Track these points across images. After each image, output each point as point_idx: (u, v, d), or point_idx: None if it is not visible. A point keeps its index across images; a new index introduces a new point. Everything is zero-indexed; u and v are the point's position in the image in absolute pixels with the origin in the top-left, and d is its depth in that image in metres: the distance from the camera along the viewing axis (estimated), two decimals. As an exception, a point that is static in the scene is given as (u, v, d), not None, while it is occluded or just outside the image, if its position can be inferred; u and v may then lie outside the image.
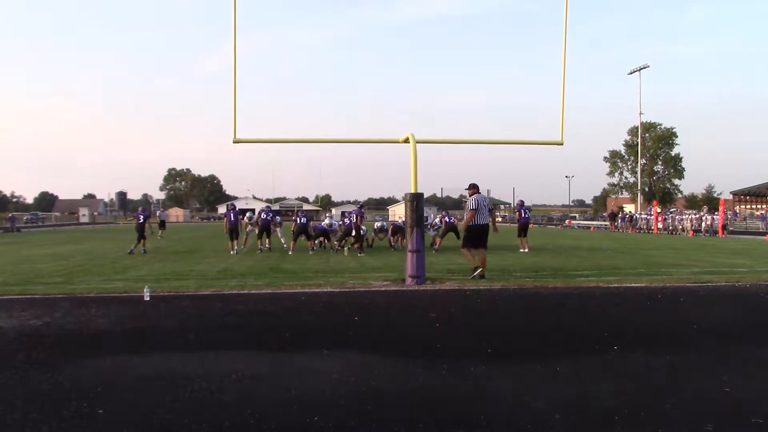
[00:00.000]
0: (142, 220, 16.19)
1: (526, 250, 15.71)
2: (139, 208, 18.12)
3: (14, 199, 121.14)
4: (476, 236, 9.48)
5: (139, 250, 15.91)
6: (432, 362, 4.30)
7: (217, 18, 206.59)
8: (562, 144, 10.43)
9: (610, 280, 9.32)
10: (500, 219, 69.85)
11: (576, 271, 10.84)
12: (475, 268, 9.36)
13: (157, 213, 29.34)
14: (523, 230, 16.43)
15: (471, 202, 9.58)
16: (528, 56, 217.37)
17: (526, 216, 16.93)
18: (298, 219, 16.52)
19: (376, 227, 18.14)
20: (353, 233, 15.67)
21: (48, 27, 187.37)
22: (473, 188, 9.74)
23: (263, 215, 17.14)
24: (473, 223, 9.45)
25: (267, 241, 16.77)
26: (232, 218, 16.30)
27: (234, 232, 16.17)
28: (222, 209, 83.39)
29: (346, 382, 3.81)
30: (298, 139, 12.64)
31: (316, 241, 16.75)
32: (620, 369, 4.15)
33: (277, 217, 18.19)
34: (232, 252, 15.66)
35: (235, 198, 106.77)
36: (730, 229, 32.10)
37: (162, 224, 26.60)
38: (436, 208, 66.71)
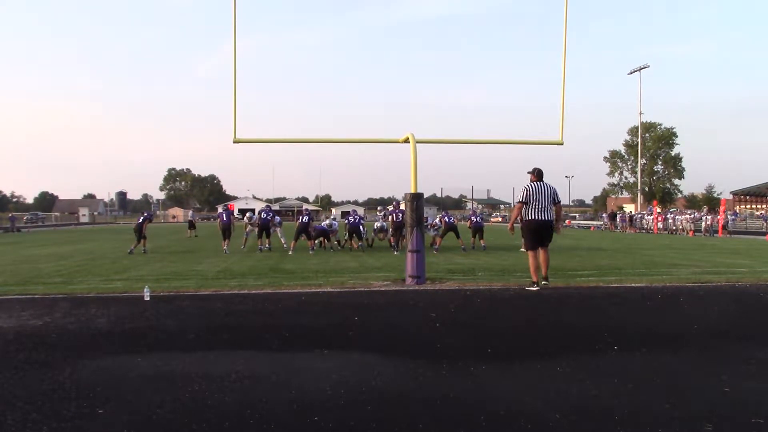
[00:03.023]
0: (141, 221, 16.52)
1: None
2: (143, 211, 18.84)
3: (14, 199, 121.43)
4: (532, 235, 8.04)
5: (139, 250, 15.96)
6: (432, 362, 4.30)
7: (217, 18, 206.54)
8: (562, 144, 10.43)
9: (610, 280, 9.32)
10: (500, 219, 70.20)
11: (576, 271, 10.84)
12: (533, 283, 8.11)
13: (189, 214, 34.73)
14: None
15: (519, 193, 8.14)
16: (528, 56, 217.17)
17: None
18: (301, 217, 16.57)
19: (376, 227, 18.13)
20: (394, 229, 16.22)
21: (48, 27, 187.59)
22: (532, 173, 8.01)
23: (262, 215, 17.17)
24: (527, 218, 8.01)
25: (267, 241, 16.81)
26: (224, 218, 16.84)
27: (226, 231, 16.42)
28: (222, 210, 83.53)
29: (346, 382, 3.80)
30: (298, 139, 12.64)
31: (316, 241, 16.76)
32: (620, 369, 4.14)
33: (277, 217, 18.21)
34: (225, 252, 15.75)
35: (235, 198, 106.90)
36: (730, 229, 32.10)
37: (192, 224, 28.71)
38: (436, 208, 66.64)
